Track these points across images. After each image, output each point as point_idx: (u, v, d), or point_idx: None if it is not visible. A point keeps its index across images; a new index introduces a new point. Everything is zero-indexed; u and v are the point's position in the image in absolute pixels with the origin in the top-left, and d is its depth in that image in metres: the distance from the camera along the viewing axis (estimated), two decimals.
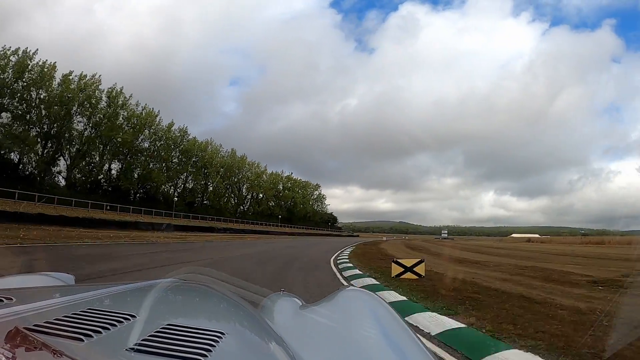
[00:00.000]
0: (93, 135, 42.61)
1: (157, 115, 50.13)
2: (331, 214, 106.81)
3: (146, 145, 49.78)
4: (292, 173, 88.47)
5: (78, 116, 41.25)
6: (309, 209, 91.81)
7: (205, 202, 61.82)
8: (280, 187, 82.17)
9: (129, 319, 0.69)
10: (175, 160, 55.23)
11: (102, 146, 43.90)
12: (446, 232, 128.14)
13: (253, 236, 43.71)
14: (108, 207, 36.93)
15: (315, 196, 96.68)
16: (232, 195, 70.16)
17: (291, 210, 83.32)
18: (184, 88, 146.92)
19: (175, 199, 51.72)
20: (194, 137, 59.13)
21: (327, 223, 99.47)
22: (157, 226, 33.06)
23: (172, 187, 56.23)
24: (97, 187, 43.60)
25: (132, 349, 0.57)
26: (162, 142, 51.80)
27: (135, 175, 48.40)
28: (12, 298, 0.77)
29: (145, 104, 49.12)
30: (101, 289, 0.96)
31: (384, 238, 68.42)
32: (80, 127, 41.65)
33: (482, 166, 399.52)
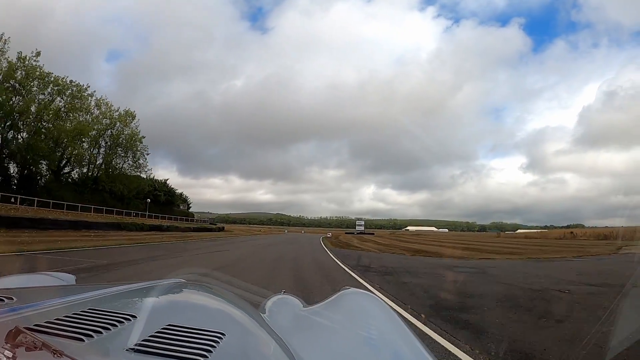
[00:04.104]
0: None
1: None
2: (165, 183, 52.82)
3: None
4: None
5: None
6: (70, 151, 35.57)
7: None
8: None
9: (130, 319, 0.69)
10: None
11: None
12: (362, 223, 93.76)
13: None
14: None
15: (120, 114, 40.63)
16: None
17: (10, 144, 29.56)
18: (51, 57, 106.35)
19: None
20: None
21: (143, 200, 43.98)
22: None
23: None
24: None
25: (133, 349, 0.57)
26: None
27: None
28: (13, 297, 0.77)
29: None
30: (102, 289, 0.96)
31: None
32: None
33: (368, 158, 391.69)
